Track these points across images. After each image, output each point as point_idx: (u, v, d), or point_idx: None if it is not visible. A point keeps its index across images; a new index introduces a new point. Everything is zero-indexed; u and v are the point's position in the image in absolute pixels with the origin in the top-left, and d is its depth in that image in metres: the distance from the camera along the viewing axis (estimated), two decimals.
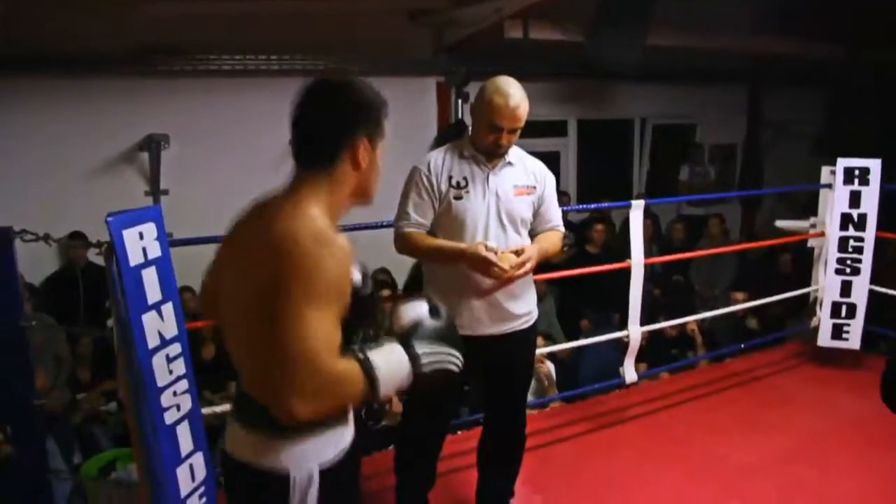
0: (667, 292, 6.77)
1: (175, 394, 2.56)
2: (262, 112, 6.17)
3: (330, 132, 1.50)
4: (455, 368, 1.55)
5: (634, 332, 3.72)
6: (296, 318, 1.32)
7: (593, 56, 5.80)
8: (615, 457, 3.39)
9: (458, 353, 1.56)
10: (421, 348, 1.49)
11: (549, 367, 4.57)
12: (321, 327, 1.34)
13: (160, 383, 2.48)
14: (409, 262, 6.76)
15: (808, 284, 4.73)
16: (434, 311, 1.59)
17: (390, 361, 1.45)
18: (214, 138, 5.98)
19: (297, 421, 1.35)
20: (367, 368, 1.40)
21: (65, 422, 4.58)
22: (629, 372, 3.76)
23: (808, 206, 5.37)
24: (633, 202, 3.54)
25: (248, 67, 6.00)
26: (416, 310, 1.60)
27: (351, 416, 1.62)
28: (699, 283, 7.00)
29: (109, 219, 2.36)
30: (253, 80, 6.07)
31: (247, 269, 1.44)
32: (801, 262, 6.75)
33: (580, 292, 6.17)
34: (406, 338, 1.51)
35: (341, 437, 1.55)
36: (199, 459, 2.61)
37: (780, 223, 5.07)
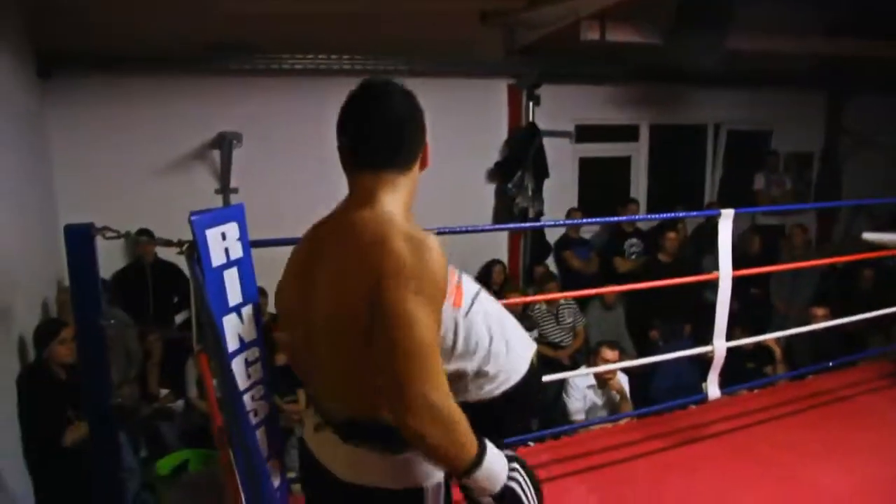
0: (743, 305, 6.56)
1: (253, 399, 2.53)
2: (333, 112, 6.18)
3: (415, 133, 1.56)
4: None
5: (720, 346, 3.56)
6: (411, 309, 1.33)
7: (672, 58, 5.64)
8: (696, 476, 3.23)
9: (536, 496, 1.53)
10: (520, 475, 1.48)
11: (622, 380, 4.43)
12: (433, 326, 1.36)
13: (241, 387, 2.44)
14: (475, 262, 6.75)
15: (889, 300, 4.48)
16: None
17: (496, 460, 1.44)
18: (285, 137, 5.99)
19: (425, 432, 1.32)
20: (482, 444, 1.41)
21: (133, 417, 4.63)
22: (712, 388, 3.60)
23: (894, 220, 5.13)
24: (724, 211, 3.39)
25: (319, 67, 6.01)
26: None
27: None
28: (778, 298, 6.77)
29: (193, 218, 2.32)
30: (324, 79, 6.05)
31: (339, 294, 1.43)
32: (881, 277, 6.53)
33: (649, 302, 6.01)
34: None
35: None
36: (273, 466, 2.57)
37: (867, 235, 4.82)
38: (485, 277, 6.67)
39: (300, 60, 5.95)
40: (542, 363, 1.90)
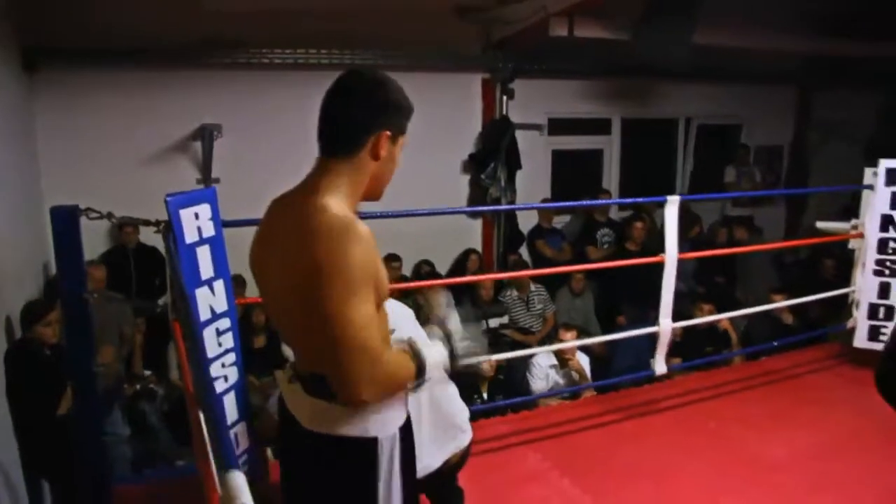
0: (709, 291, 6.79)
1: (223, 365, 2.71)
2: (311, 105, 6.32)
3: (358, 120, 1.58)
4: (479, 358, 1.75)
5: (665, 325, 3.77)
6: (343, 310, 1.44)
7: (639, 53, 5.83)
8: (644, 445, 3.46)
9: (482, 345, 1.76)
10: (456, 342, 1.69)
11: (582, 361, 4.64)
12: (367, 314, 1.47)
13: (210, 354, 2.63)
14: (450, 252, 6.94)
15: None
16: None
17: (432, 355, 1.64)
18: (266, 129, 6.14)
19: (364, 405, 1.54)
20: (418, 357, 1.61)
21: (117, 395, 4.80)
22: (660, 364, 3.82)
23: (850, 208, 5.34)
24: (669, 198, 3.60)
25: (297, 61, 6.17)
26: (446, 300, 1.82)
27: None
28: (740, 290, 7.00)
29: (168, 198, 2.51)
30: (302, 73, 6.21)
31: (285, 269, 1.55)
32: (845, 267, 6.75)
33: (618, 288, 6.23)
34: (444, 330, 1.73)
35: (404, 398, 1.70)
36: (242, 429, 2.77)
37: (820, 224, 5.05)
38: (460, 266, 6.87)
39: (281, 55, 6.11)
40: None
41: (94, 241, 5.61)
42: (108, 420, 4.47)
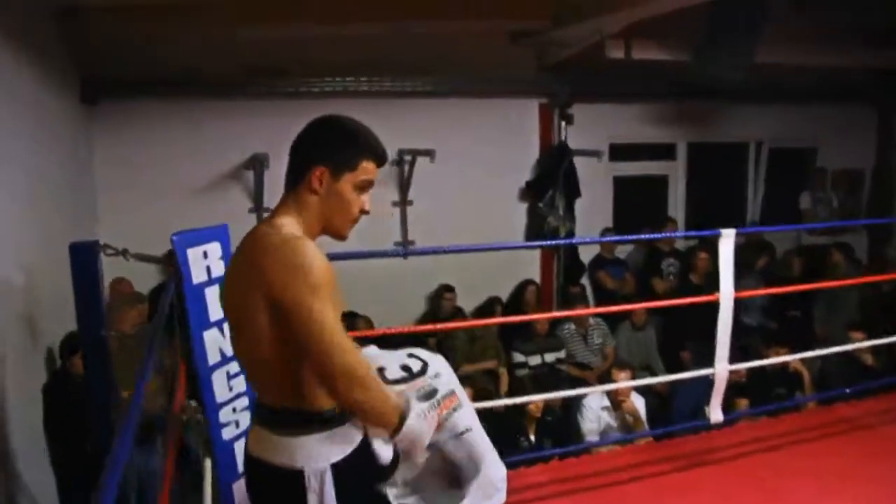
0: (781, 327, 6.38)
1: (234, 410, 2.59)
2: None
3: (299, 156, 1.70)
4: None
5: (721, 369, 3.48)
6: (312, 313, 1.52)
7: (699, 74, 5.54)
8: (694, 501, 3.16)
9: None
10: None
11: (636, 402, 4.35)
12: (334, 317, 1.56)
13: (220, 399, 2.50)
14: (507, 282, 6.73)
15: None
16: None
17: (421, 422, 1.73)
18: None
19: (359, 405, 1.60)
20: (405, 408, 1.70)
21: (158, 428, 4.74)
22: (715, 412, 3.52)
23: None
24: (724, 231, 3.33)
25: (347, 89, 6.11)
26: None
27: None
28: (819, 323, 6.54)
29: (174, 237, 2.41)
30: (353, 100, 6.16)
31: (242, 293, 1.60)
32: None
33: (682, 322, 5.89)
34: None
35: (350, 436, 1.67)
36: None
37: None
38: (517, 298, 6.65)
39: (328, 83, 6.06)
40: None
41: (149, 272, 5.64)
42: (147, 454, 4.41)
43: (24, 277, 3.74)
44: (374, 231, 6.24)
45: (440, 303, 6.36)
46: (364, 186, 1.70)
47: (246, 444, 1.77)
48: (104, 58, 5.54)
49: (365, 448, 1.70)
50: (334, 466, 1.63)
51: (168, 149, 5.94)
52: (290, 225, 1.64)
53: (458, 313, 6.29)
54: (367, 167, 1.69)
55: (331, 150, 1.67)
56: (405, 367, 2.28)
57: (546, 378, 5.49)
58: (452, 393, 2.28)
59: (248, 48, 5.69)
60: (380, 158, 1.73)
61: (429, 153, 6.36)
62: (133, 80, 5.69)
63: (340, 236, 1.74)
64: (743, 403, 4.67)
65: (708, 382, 4.06)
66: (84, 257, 2.83)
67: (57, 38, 5.02)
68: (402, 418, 1.67)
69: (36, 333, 3.88)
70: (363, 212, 1.73)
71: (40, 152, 4.42)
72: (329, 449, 1.64)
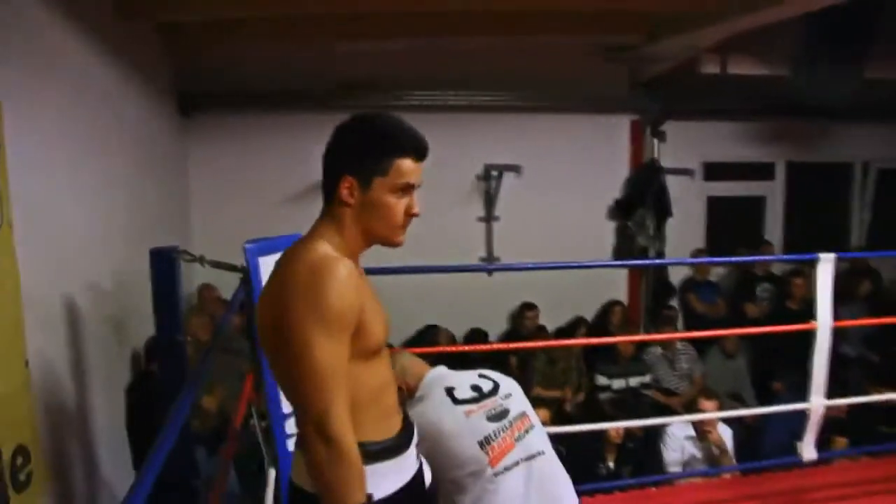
0: (886, 362, 5.97)
1: None
2: (455, 146, 6.30)
3: (327, 168, 1.59)
4: None
5: (816, 403, 3.26)
6: (305, 345, 1.40)
7: (798, 92, 5.27)
8: None
9: None
10: None
11: (723, 433, 4.13)
12: (334, 354, 1.42)
13: (285, 410, 2.49)
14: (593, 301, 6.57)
15: None
16: None
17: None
18: None
19: (315, 464, 1.42)
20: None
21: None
22: (808, 448, 3.29)
23: None
24: (822, 255, 3.12)
25: (437, 103, 6.11)
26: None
27: (412, 452, 1.66)
28: None
29: (247, 245, 2.42)
30: (442, 115, 6.17)
31: (265, 312, 1.51)
32: None
33: (775, 351, 5.60)
34: None
35: (395, 473, 1.57)
36: None
37: None
38: (603, 317, 6.49)
39: (418, 97, 6.07)
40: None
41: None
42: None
43: (117, 283, 3.89)
44: (460, 246, 6.23)
45: (522, 321, 6.26)
46: (404, 188, 1.55)
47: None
48: (202, 71, 5.75)
49: (414, 488, 1.61)
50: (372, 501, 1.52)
51: (260, 160, 6.09)
52: (325, 243, 1.52)
53: (540, 332, 6.17)
54: (401, 167, 1.54)
55: (356, 156, 1.54)
56: (475, 388, 2.22)
57: (629, 403, 5.31)
58: (524, 415, 2.20)
59: (340, 63, 5.82)
60: (417, 152, 1.56)
61: (515, 168, 6.30)
62: (228, 94, 5.88)
63: (392, 244, 1.60)
64: (841, 442, 4.37)
65: (801, 416, 3.83)
66: (163, 263, 2.89)
67: (158, 53, 5.23)
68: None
69: (123, 336, 4.02)
70: (410, 215, 1.59)
71: (140, 163, 4.63)
72: (371, 480, 1.51)
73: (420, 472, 1.72)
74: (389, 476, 1.55)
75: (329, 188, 1.58)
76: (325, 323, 1.41)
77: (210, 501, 1.85)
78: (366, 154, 1.54)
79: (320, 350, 1.40)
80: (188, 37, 5.19)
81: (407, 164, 1.54)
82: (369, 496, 1.47)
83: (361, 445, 1.48)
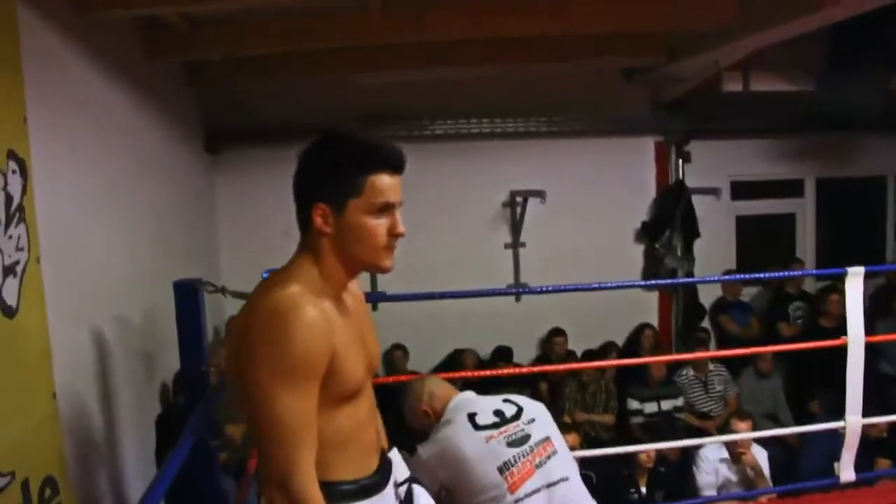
0: None
1: None
2: (477, 174, 6.32)
3: (297, 200, 1.49)
4: None
5: (853, 422, 3.17)
6: (264, 399, 1.31)
7: (824, 106, 5.21)
8: None
9: None
10: None
11: (759, 455, 4.03)
12: (296, 409, 1.32)
13: None
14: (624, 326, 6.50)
15: None
16: None
17: None
18: (428, 201, 6.13)
19: (275, 492, 1.34)
20: None
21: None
22: (846, 469, 3.20)
23: None
24: (850, 269, 3.06)
25: (459, 132, 6.17)
26: None
27: (388, 492, 1.57)
28: None
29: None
30: (465, 143, 6.23)
31: (230, 349, 1.46)
32: None
33: (812, 370, 5.49)
34: None
35: None
36: None
37: None
38: (634, 341, 6.42)
39: (440, 125, 6.13)
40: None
41: None
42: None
43: (145, 316, 3.94)
44: (487, 274, 6.21)
45: (551, 347, 6.22)
46: (382, 208, 1.44)
47: None
48: (227, 108, 5.86)
49: None
50: None
51: (285, 193, 6.13)
52: (295, 281, 1.41)
53: (569, 357, 6.11)
54: (376, 184, 1.43)
55: (325, 180, 1.44)
56: (498, 412, 2.21)
57: (661, 426, 5.22)
58: (547, 440, 2.18)
59: (362, 94, 5.89)
60: (392, 166, 1.46)
61: (540, 194, 6.30)
62: (253, 129, 5.97)
63: (379, 269, 1.50)
64: (884, 463, 4.25)
65: (839, 437, 3.74)
66: (186, 294, 2.92)
67: (185, 91, 5.34)
68: None
69: (152, 369, 4.07)
70: (395, 235, 1.46)
71: (167, 199, 4.70)
72: None
73: None
74: None
75: (302, 219, 1.49)
76: (289, 375, 1.31)
77: None
78: (335, 176, 1.44)
79: (283, 405, 1.31)
80: (214, 74, 5.29)
81: (382, 180, 1.44)
82: None
83: (335, 485, 1.43)
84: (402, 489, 1.72)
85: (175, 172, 4.98)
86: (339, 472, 1.46)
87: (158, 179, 4.53)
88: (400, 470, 1.74)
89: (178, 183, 5.08)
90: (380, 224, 1.45)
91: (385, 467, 1.62)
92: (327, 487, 1.41)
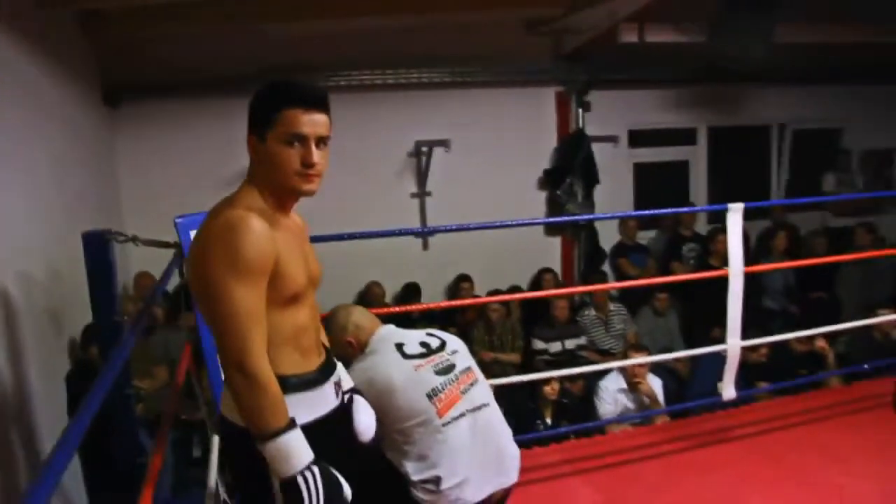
0: (807, 311, 6.28)
1: None
2: (383, 124, 6.35)
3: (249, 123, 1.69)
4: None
5: (733, 345, 3.46)
6: (220, 290, 1.53)
7: (715, 56, 5.47)
8: (709, 478, 3.15)
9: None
10: (322, 475, 1.57)
11: (654, 383, 4.33)
12: (248, 300, 1.54)
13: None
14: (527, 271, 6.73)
15: None
16: None
17: (296, 448, 1.56)
18: (334, 151, 6.11)
19: (237, 391, 1.53)
20: (291, 425, 1.55)
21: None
22: (727, 388, 3.49)
23: None
24: (731, 206, 3.30)
25: (364, 82, 6.16)
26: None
27: (328, 389, 1.77)
28: (846, 308, 6.42)
29: (178, 220, 2.47)
30: (370, 94, 6.23)
31: (189, 262, 1.68)
32: None
33: (704, 307, 5.84)
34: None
35: (308, 406, 1.68)
36: None
37: None
38: (536, 287, 6.64)
39: (345, 77, 6.11)
40: None
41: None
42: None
43: (49, 273, 3.85)
44: (394, 222, 6.28)
45: (458, 293, 6.38)
46: (294, 138, 1.61)
47: None
48: (126, 60, 5.67)
49: (329, 425, 1.73)
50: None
51: (191, 147, 6.05)
52: (242, 202, 1.63)
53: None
54: (287, 117, 1.60)
55: (253, 116, 1.66)
56: (424, 344, 2.32)
57: (565, 364, 5.48)
58: (469, 369, 2.31)
59: (270, 46, 5.79)
60: (304, 101, 1.62)
61: (445, 143, 6.39)
62: (154, 82, 5.81)
63: (299, 192, 1.67)
64: (762, 386, 4.62)
65: (723, 362, 4.04)
66: (96, 245, 2.90)
67: (80, 43, 5.14)
68: (280, 431, 1.54)
69: (60, 324, 3.99)
70: (307, 164, 1.62)
71: (65, 153, 4.55)
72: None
73: (342, 413, 1.84)
74: (302, 407, 1.64)
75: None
76: (241, 272, 1.53)
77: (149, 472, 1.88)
78: (258, 111, 1.65)
79: (236, 298, 1.53)
80: (111, 26, 5.10)
81: (293, 114, 1.61)
82: (291, 419, 1.56)
83: (281, 378, 1.60)
84: (346, 397, 1.91)
85: (74, 125, 4.82)
86: (285, 368, 1.65)
87: (57, 131, 4.38)
88: (345, 379, 1.96)
89: (78, 136, 4.92)
90: (291, 152, 1.62)
91: (326, 368, 1.80)
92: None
